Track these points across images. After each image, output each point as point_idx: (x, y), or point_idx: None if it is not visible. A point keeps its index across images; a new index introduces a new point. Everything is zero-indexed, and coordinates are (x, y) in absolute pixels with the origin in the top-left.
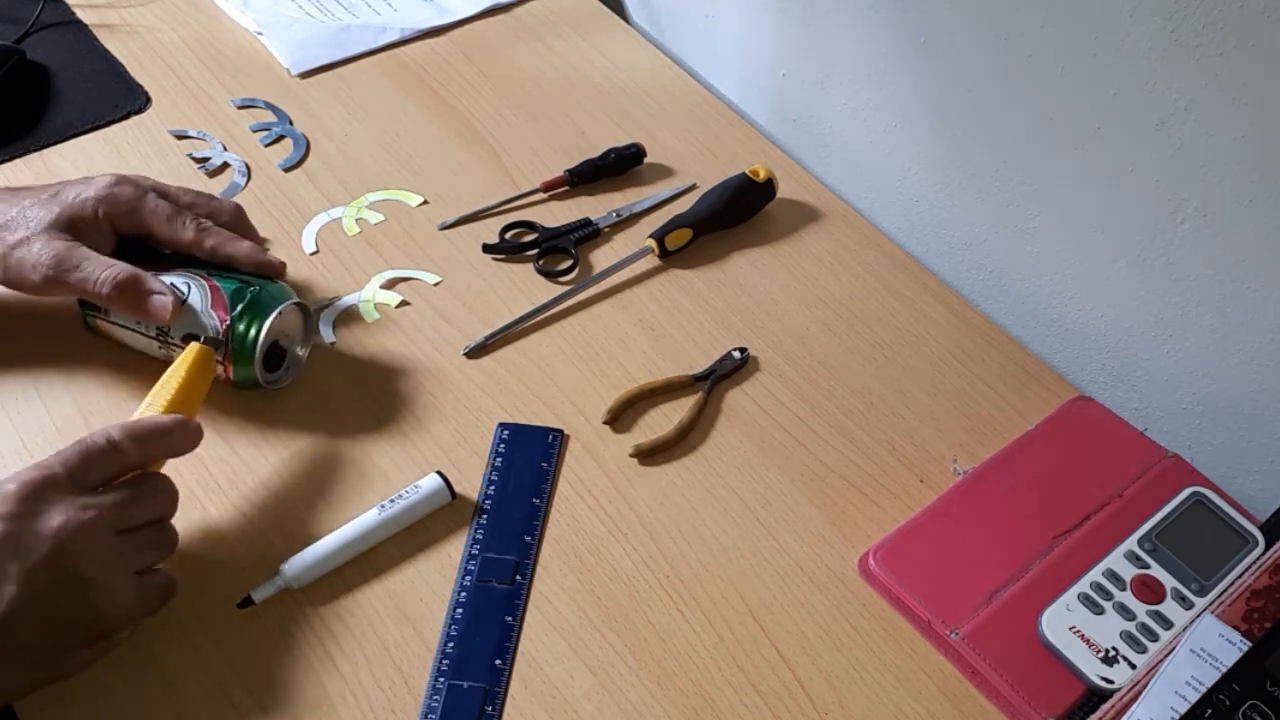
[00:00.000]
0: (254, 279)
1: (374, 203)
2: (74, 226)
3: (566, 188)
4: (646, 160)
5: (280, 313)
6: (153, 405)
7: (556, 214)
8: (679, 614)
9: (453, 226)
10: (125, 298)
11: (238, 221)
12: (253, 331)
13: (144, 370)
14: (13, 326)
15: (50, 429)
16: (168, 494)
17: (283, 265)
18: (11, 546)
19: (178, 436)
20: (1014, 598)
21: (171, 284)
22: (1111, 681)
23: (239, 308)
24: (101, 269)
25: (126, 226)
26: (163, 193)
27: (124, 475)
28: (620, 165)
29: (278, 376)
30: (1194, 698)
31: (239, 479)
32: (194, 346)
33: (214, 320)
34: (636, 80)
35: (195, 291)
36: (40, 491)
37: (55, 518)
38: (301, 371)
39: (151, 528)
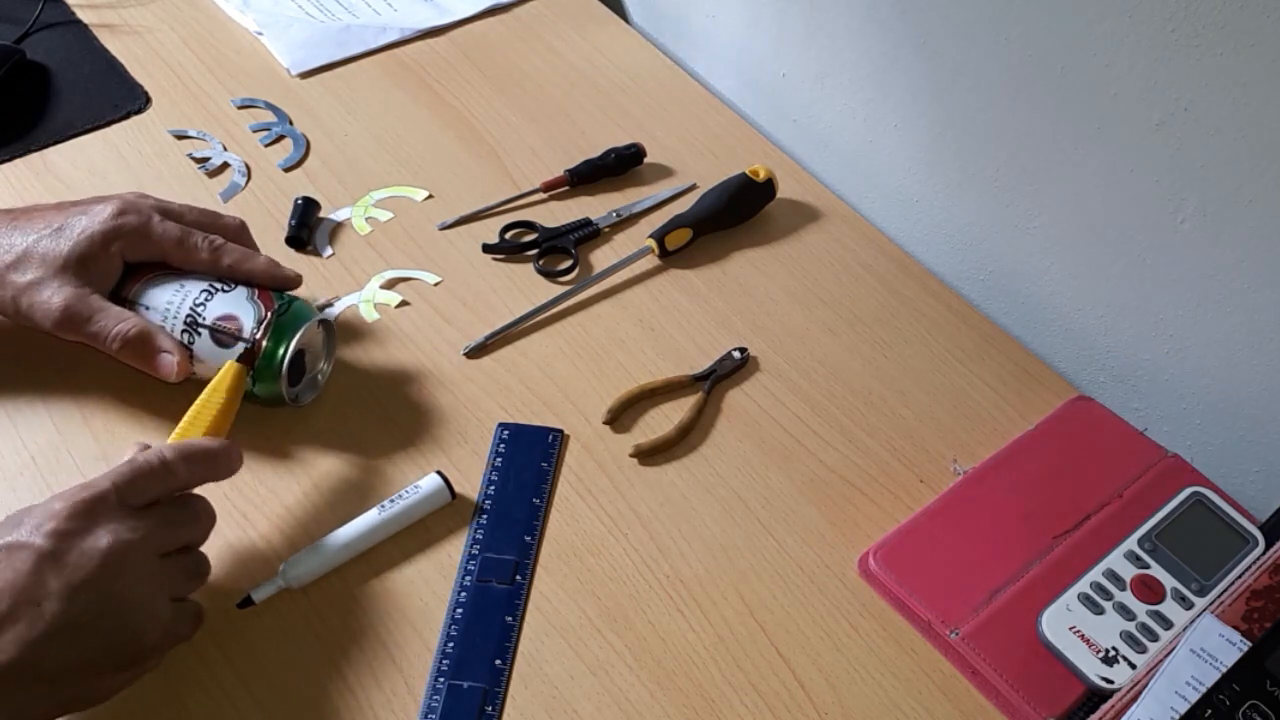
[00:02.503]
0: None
1: (380, 200)
2: (83, 264)
3: (566, 188)
4: (646, 160)
5: (305, 329)
6: (195, 425)
7: (556, 214)
8: (679, 614)
9: (453, 226)
10: (134, 354)
11: (241, 238)
12: (281, 350)
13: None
14: (16, 333)
15: (50, 428)
16: (209, 517)
17: (298, 278)
18: (59, 564)
19: (223, 462)
20: (1014, 598)
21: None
22: (1111, 681)
23: (276, 315)
24: (113, 323)
25: (137, 255)
26: (166, 212)
27: (169, 496)
28: (620, 165)
29: (298, 390)
30: (1194, 698)
31: (239, 479)
32: (230, 365)
33: (259, 309)
34: (636, 80)
35: (240, 286)
36: (89, 510)
37: (103, 538)
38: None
39: (188, 554)
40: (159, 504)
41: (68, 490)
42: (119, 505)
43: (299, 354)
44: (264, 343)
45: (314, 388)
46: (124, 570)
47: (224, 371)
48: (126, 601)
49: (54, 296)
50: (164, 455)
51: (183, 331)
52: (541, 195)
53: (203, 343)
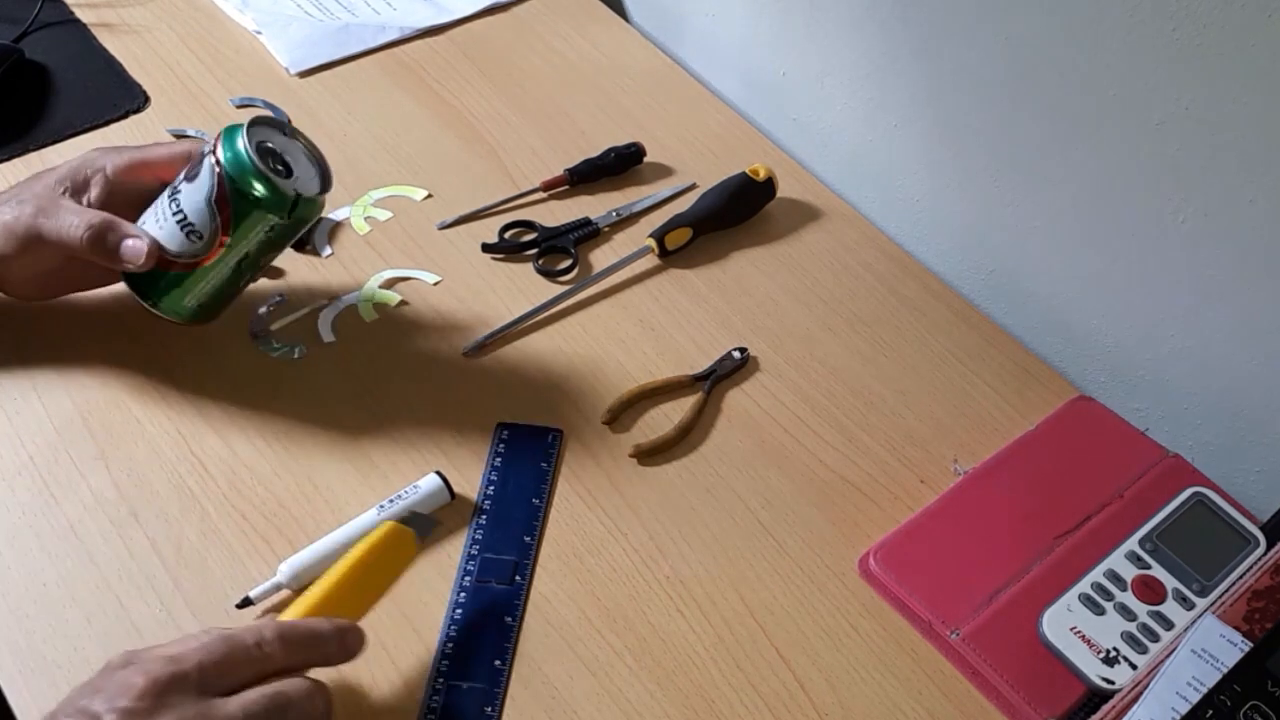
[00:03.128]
0: None
1: (379, 200)
2: (61, 184)
3: (566, 187)
4: (646, 160)
5: (246, 129)
6: (340, 594)
7: (556, 213)
8: (679, 614)
9: (452, 226)
10: (100, 246)
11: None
12: (238, 144)
13: (143, 366)
14: (10, 326)
15: (49, 428)
16: (303, 709)
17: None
18: None
19: (332, 647)
20: (1014, 598)
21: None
22: (1112, 682)
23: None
24: (76, 216)
25: (127, 175)
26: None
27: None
28: (620, 164)
29: (296, 183)
30: (1195, 698)
31: (238, 479)
32: (387, 525)
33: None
34: (636, 80)
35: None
36: (164, 691)
37: None
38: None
39: None
40: (249, 690)
41: (155, 657)
42: (199, 687)
43: (265, 147)
44: (221, 155)
45: (313, 191)
46: None
47: (378, 530)
48: None
49: (23, 205)
50: (263, 636)
51: (179, 229)
52: (541, 194)
53: (181, 203)
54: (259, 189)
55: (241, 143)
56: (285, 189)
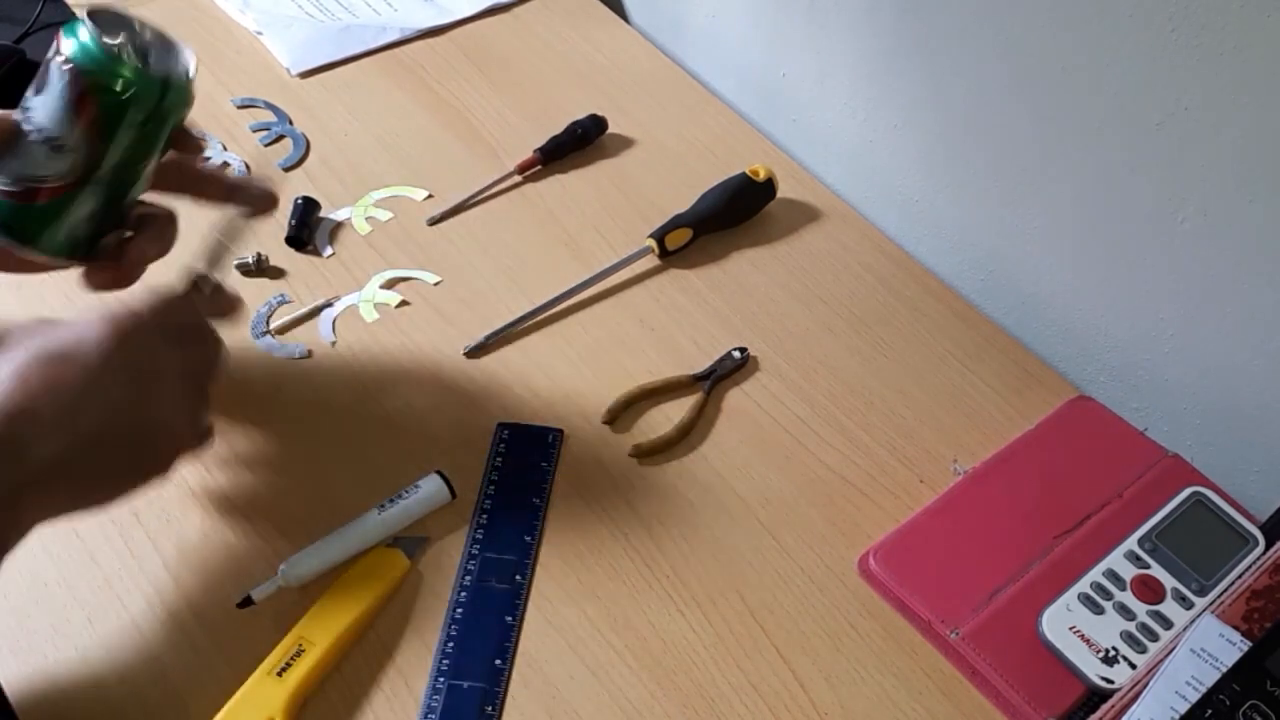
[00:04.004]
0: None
1: (380, 200)
2: None
3: (539, 167)
4: (643, 161)
5: (91, 14)
6: (322, 613)
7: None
8: (679, 614)
9: (440, 220)
10: None
11: None
12: (81, 38)
13: None
14: None
15: None
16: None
17: None
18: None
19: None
20: (1014, 598)
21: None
22: (1111, 681)
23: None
24: None
25: None
26: None
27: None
28: (587, 138)
29: (155, 68)
30: (1194, 698)
31: (239, 479)
32: (374, 551)
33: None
34: (637, 80)
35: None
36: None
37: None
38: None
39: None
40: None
41: (106, 314)
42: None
43: (112, 33)
44: (68, 52)
45: (180, 76)
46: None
47: (389, 565)
48: (155, 422)
49: None
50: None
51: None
52: (517, 178)
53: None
54: (122, 77)
55: (85, 32)
56: (150, 74)
